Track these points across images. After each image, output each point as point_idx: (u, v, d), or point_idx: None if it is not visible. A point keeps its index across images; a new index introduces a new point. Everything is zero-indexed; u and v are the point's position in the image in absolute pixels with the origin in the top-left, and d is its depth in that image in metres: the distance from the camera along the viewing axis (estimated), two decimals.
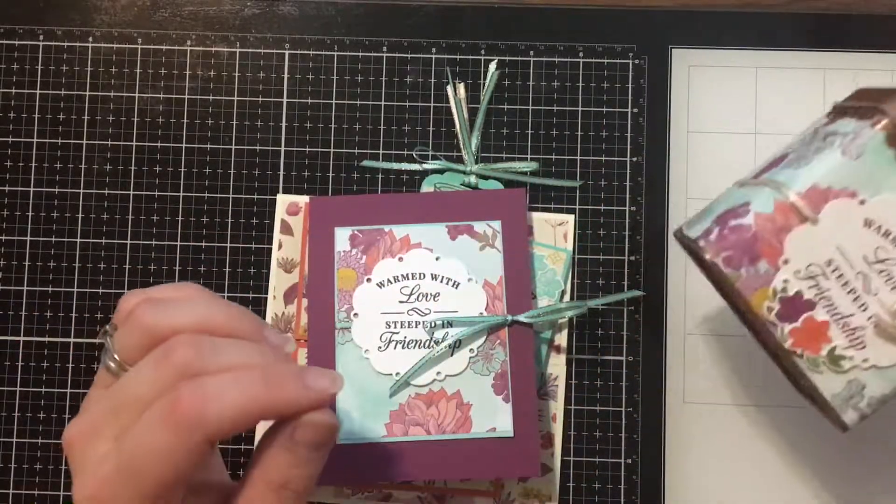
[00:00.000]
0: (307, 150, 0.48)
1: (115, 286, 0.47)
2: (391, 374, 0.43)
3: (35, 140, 0.48)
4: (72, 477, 0.30)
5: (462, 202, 0.45)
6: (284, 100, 0.48)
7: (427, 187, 0.47)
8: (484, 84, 0.48)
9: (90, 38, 0.49)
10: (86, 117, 0.48)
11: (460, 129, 0.48)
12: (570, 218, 0.47)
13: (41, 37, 0.49)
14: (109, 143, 0.48)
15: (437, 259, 0.45)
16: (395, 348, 0.44)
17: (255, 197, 0.48)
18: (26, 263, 0.48)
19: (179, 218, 0.48)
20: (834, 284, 0.36)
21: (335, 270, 0.44)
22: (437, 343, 0.43)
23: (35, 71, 0.49)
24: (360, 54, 0.49)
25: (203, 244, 0.48)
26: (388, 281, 0.44)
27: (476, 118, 0.48)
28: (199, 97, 0.48)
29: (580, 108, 0.48)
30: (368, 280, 0.44)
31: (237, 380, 0.28)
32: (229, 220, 0.48)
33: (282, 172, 0.48)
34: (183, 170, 0.48)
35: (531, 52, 0.49)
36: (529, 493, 0.45)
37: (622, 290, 0.47)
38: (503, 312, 0.44)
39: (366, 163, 0.48)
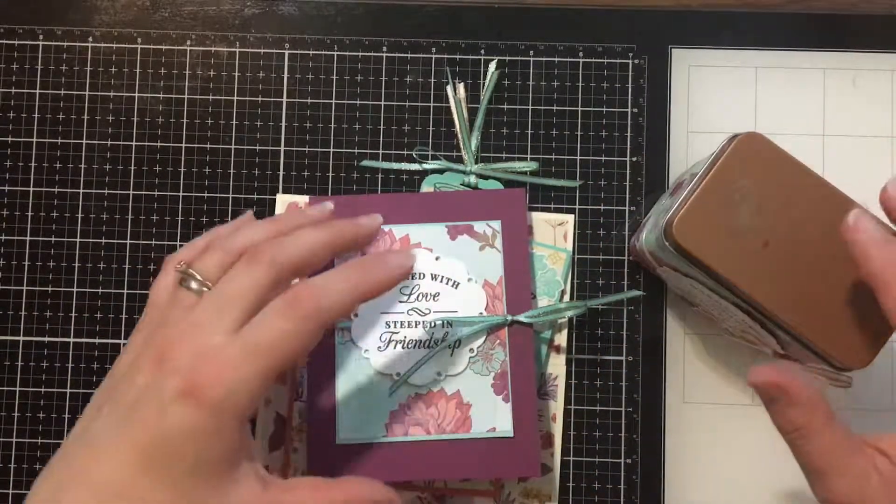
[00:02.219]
0: (307, 150, 0.48)
1: (115, 286, 0.47)
2: (391, 374, 0.43)
3: (35, 140, 0.48)
4: (172, 371, 0.33)
5: (462, 202, 0.45)
6: (284, 100, 0.48)
7: (427, 187, 0.47)
8: (484, 84, 0.48)
9: (90, 38, 0.49)
10: (86, 117, 0.48)
11: (460, 129, 0.48)
12: (570, 218, 0.47)
13: (41, 37, 0.49)
14: (109, 143, 0.48)
15: (436, 259, 0.45)
16: (394, 348, 0.44)
17: (255, 197, 0.48)
18: (26, 263, 0.48)
19: (179, 218, 0.48)
20: (700, 301, 0.43)
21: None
22: (436, 343, 0.43)
23: (35, 71, 0.49)
24: (360, 54, 0.49)
25: None
26: None
27: (476, 118, 0.48)
28: (199, 97, 0.48)
29: (580, 108, 0.48)
30: None
31: (338, 274, 0.35)
32: (229, 221, 0.48)
33: (282, 172, 0.48)
34: (183, 170, 0.48)
35: (531, 52, 0.49)
36: (529, 493, 0.45)
37: (622, 290, 0.47)
38: (503, 312, 0.44)
39: (365, 163, 0.48)
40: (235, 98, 0.48)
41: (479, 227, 0.45)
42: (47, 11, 0.49)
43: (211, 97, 0.48)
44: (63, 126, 0.48)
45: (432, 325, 0.44)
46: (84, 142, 0.48)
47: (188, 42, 0.49)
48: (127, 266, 0.48)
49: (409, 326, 0.44)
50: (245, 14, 0.49)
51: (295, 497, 0.35)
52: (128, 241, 0.48)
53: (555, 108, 0.48)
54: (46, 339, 0.47)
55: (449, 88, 0.48)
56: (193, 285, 0.36)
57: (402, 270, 0.37)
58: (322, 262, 0.37)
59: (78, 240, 0.48)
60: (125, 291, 0.47)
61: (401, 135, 0.48)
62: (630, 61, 0.48)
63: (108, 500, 0.33)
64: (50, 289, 0.47)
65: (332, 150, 0.48)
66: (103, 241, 0.48)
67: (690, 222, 0.38)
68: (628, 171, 0.48)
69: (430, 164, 0.48)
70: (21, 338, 0.47)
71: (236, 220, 0.41)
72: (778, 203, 0.38)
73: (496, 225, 0.45)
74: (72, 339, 0.47)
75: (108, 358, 0.47)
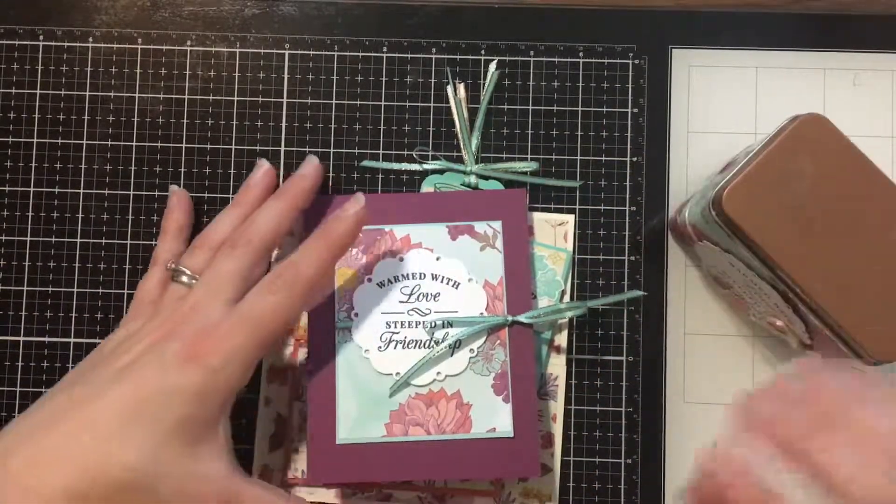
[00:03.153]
0: (307, 150, 0.48)
1: (115, 286, 0.47)
2: (391, 374, 0.43)
3: (35, 140, 0.48)
4: (168, 342, 0.37)
5: (462, 202, 0.45)
6: (284, 100, 0.48)
7: (427, 187, 0.47)
8: (484, 84, 0.48)
9: (90, 39, 0.49)
10: (86, 117, 0.48)
11: (460, 130, 0.48)
12: (570, 218, 0.47)
13: (41, 37, 0.49)
14: (109, 143, 0.48)
15: (437, 259, 0.45)
16: (395, 348, 0.44)
17: None
18: (26, 263, 0.48)
19: None
20: (734, 282, 0.43)
21: (335, 269, 0.44)
22: (437, 343, 0.43)
23: (35, 71, 0.49)
24: (360, 54, 0.49)
25: None
26: (389, 281, 0.44)
27: (476, 118, 0.48)
28: (199, 97, 0.48)
29: (580, 108, 0.48)
30: (369, 280, 0.44)
31: (308, 246, 0.40)
32: None
33: (282, 172, 0.48)
34: (183, 170, 0.48)
35: (531, 52, 0.49)
36: (529, 492, 0.45)
37: (622, 290, 0.47)
38: (503, 313, 0.44)
39: (366, 163, 0.48)
40: (235, 98, 0.48)
41: (479, 227, 0.45)
42: (47, 12, 0.49)
43: (211, 97, 0.48)
44: (63, 126, 0.48)
45: (433, 325, 0.44)
46: (84, 142, 0.48)
47: (188, 42, 0.49)
48: (127, 266, 0.48)
49: (409, 326, 0.44)
50: (245, 14, 0.49)
51: (254, 492, 0.38)
52: (128, 241, 0.48)
53: (555, 108, 0.48)
54: (46, 339, 0.47)
55: (449, 89, 0.48)
56: (184, 279, 0.41)
57: (356, 218, 0.41)
58: (288, 226, 0.43)
59: (78, 240, 0.48)
60: (125, 291, 0.47)
61: (401, 135, 0.48)
62: (630, 61, 0.48)
63: (87, 443, 0.34)
64: (50, 289, 0.47)
65: (332, 150, 0.48)
66: (103, 241, 0.48)
67: (741, 195, 0.38)
68: (628, 171, 0.48)
69: (430, 165, 0.48)
70: (21, 338, 0.47)
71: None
72: (832, 188, 0.38)
73: (497, 225, 0.45)
74: (72, 340, 0.47)
75: None
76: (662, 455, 0.46)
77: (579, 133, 0.48)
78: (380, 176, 0.48)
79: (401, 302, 0.44)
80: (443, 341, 0.43)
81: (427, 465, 0.42)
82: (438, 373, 0.43)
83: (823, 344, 0.40)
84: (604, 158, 0.48)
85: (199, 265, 0.42)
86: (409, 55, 0.49)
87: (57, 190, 0.48)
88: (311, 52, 0.49)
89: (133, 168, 0.48)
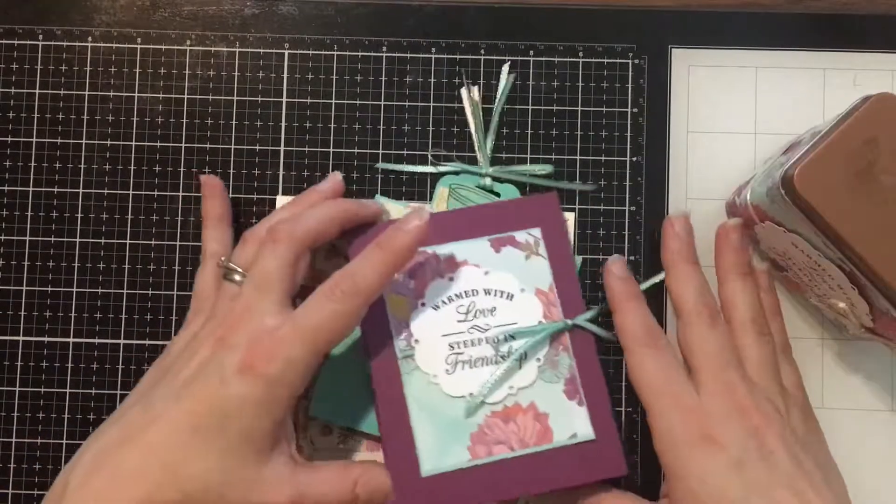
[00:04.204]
0: (307, 150, 0.48)
1: (115, 286, 0.47)
2: (464, 396, 0.42)
3: (35, 140, 0.48)
4: (227, 350, 0.37)
5: (497, 213, 0.45)
6: (284, 100, 0.48)
7: (442, 187, 0.47)
8: (489, 88, 0.48)
9: (90, 38, 0.49)
10: (86, 117, 0.48)
11: (476, 131, 0.48)
12: (570, 217, 0.47)
13: (41, 37, 0.49)
14: (109, 143, 0.48)
15: (486, 273, 0.44)
16: (462, 369, 0.42)
17: (255, 197, 0.48)
18: (26, 263, 0.48)
19: (179, 218, 0.48)
20: (794, 264, 0.43)
21: (386, 298, 0.43)
22: (503, 358, 0.42)
23: (35, 71, 0.49)
24: (360, 54, 0.49)
25: None
26: (443, 302, 0.43)
27: (490, 121, 0.48)
28: (198, 97, 0.48)
29: (580, 109, 0.48)
30: (423, 304, 0.43)
31: (365, 256, 0.40)
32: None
33: (282, 172, 0.48)
34: (183, 170, 0.48)
35: (531, 52, 0.49)
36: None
37: None
38: (560, 318, 0.43)
39: (380, 165, 0.48)
40: (235, 98, 0.48)
41: (520, 236, 0.44)
42: (47, 11, 0.49)
43: (211, 97, 0.48)
44: (63, 126, 0.48)
45: (495, 339, 0.43)
46: (84, 142, 0.48)
47: (188, 42, 0.49)
48: (127, 266, 0.48)
49: (472, 345, 0.43)
50: (245, 14, 0.49)
51: (321, 476, 0.39)
52: (128, 241, 0.48)
53: (554, 108, 0.48)
54: (46, 339, 0.47)
55: (463, 91, 0.48)
56: (236, 277, 0.41)
57: (419, 229, 0.40)
58: (333, 233, 0.42)
59: (78, 240, 0.48)
60: (125, 291, 0.47)
61: (401, 135, 0.48)
62: (630, 61, 0.48)
63: (158, 458, 0.36)
64: (50, 289, 0.47)
65: (332, 150, 0.48)
66: (103, 241, 0.48)
67: (812, 173, 0.38)
68: (628, 171, 0.48)
69: (445, 167, 0.48)
70: (21, 338, 0.47)
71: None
72: None
73: (536, 232, 0.44)
74: (72, 339, 0.47)
75: (108, 358, 0.47)
76: None
77: (579, 133, 0.48)
78: (379, 176, 0.48)
79: (459, 321, 0.43)
80: (510, 354, 0.42)
81: (515, 482, 0.41)
82: (511, 387, 0.42)
83: (885, 327, 0.40)
84: (604, 158, 0.48)
85: (250, 260, 0.41)
86: (409, 55, 0.49)
87: (57, 190, 0.48)
88: (311, 52, 0.49)
89: (133, 168, 0.48)
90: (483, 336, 0.43)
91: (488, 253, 0.44)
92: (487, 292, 0.43)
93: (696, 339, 0.40)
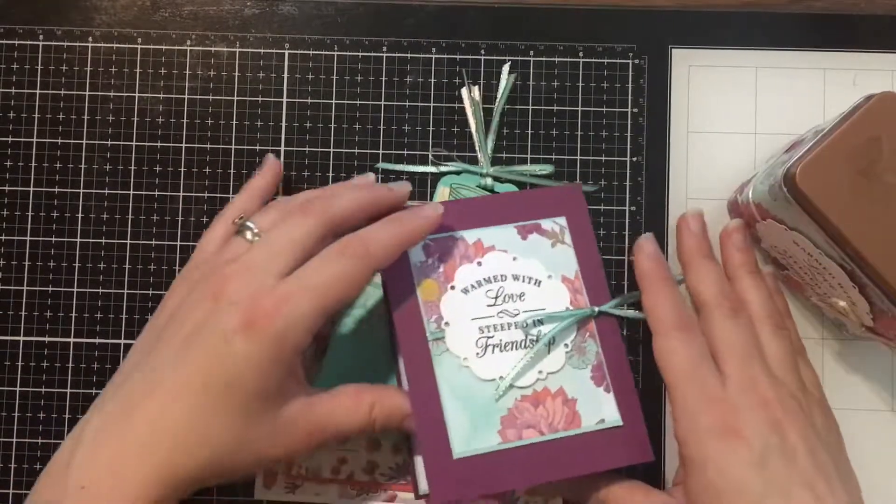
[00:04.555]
0: (307, 150, 0.48)
1: (115, 286, 0.47)
2: (494, 379, 0.42)
3: (35, 140, 0.48)
4: (228, 305, 0.36)
5: (522, 201, 0.45)
6: (284, 100, 0.48)
7: (443, 187, 0.47)
8: (489, 88, 0.48)
9: (90, 38, 0.49)
10: (86, 117, 0.48)
11: (476, 131, 0.48)
12: None
13: (41, 37, 0.49)
14: (109, 143, 0.48)
15: (514, 259, 0.44)
16: (493, 352, 0.42)
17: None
18: (26, 263, 0.48)
19: (179, 218, 0.48)
20: (794, 262, 0.43)
21: (415, 282, 0.43)
22: (532, 343, 0.43)
23: (35, 71, 0.49)
24: (360, 54, 0.49)
25: None
26: (472, 286, 0.43)
27: (491, 121, 0.48)
28: (199, 97, 0.48)
29: (580, 109, 0.48)
30: (452, 288, 0.43)
31: (380, 225, 0.39)
32: None
33: (282, 172, 0.48)
34: (183, 170, 0.48)
35: (531, 52, 0.49)
36: (535, 490, 0.45)
37: (622, 290, 0.47)
38: (587, 305, 0.44)
39: (381, 165, 0.48)
40: (235, 98, 0.48)
41: (546, 224, 0.45)
42: (47, 11, 0.49)
43: (211, 97, 0.48)
44: (63, 126, 0.48)
45: (524, 324, 0.43)
46: (84, 142, 0.48)
47: (188, 42, 0.49)
48: (127, 266, 0.48)
49: (502, 329, 0.43)
50: (245, 14, 0.49)
51: (335, 405, 0.39)
52: (128, 241, 0.48)
53: (555, 108, 0.48)
54: (46, 339, 0.47)
55: (464, 91, 0.48)
56: (248, 235, 0.40)
57: (433, 219, 0.41)
58: (363, 219, 0.41)
59: (78, 240, 0.48)
60: (125, 291, 0.47)
61: (401, 135, 0.48)
62: (630, 61, 0.48)
63: (165, 426, 0.35)
64: (50, 289, 0.47)
65: (332, 150, 0.48)
66: (103, 241, 0.48)
67: (814, 171, 0.38)
68: (628, 171, 0.48)
69: (446, 166, 0.48)
70: (21, 338, 0.47)
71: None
72: None
73: (562, 221, 0.45)
74: (72, 339, 0.47)
75: (108, 358, 0.47)
76: (663, 455, 0.46)
77: (579, 133, 0.48)
78: (392, 177, 0.48)
79: (488, 306, 0.43)
80: (539, 339, 0.42)
81: (545, 466, 0.41)
82: (540, 371, 0.42)
83: (886, 326, 0.40)
84: (604, 158, 0.48)
85: (267, 225, 0.40)
86: (409, 55, 0.49)
87: (57, 190, 0.48)
88: (311, 52, 0.49)
89: (133, 168, 0.48)
90: (512, 321, 0.43)
91: (515, 239, 0.44)
92: (516, 278, 0.44)
93: (719, 332, 0.40)
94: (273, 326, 0.36)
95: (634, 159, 0.48)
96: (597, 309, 0.43)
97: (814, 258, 0.40)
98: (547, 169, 0.48)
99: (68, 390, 0.47)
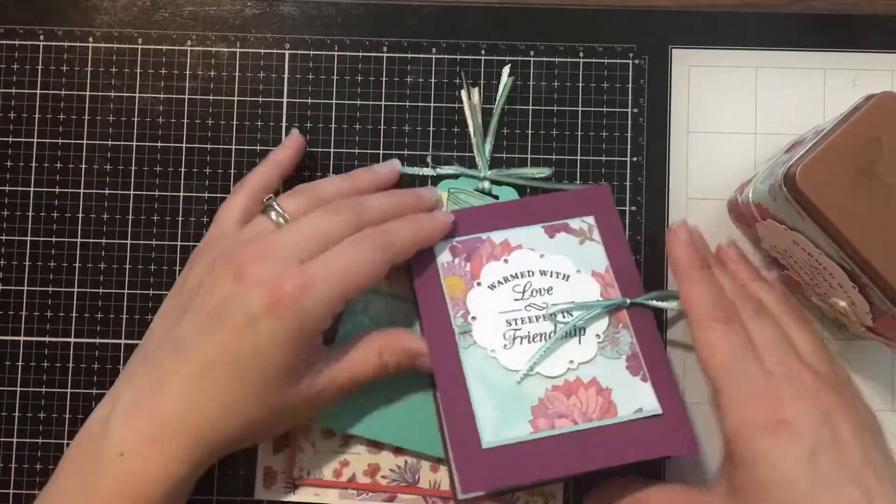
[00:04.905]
0: (307, 150, 0.48)
1: (115, 286, 0.47)
2: (521, 370, 0.42)
3: (35, 140, 0.48)
4: (252, 285, 0.37)
5: (551, 204, 0.45)
6: (284, 100, 0.48)
7: (441, 191, 0.47)
8: (493, 85, 0.48)
9: (90, 39, 0.49)
10: (86, 117, 0.48)
11: (474, 135, 0.48)
12: None
13: (41, 37, 0.49)
14: (109, 143, 0.48)
15: (541, 256, 0.44)
16: (520, 344, 0.42)
17: None
18: (26, 263, 0.48)
19: (179, 218, 0.48)
20: (795, 262, 0.43)
21: (441, 280, 0.43)
22: (561, 331, 0.42)
23: (35, 71, 0.49)
24: (361, 54, 0.49)
25: None
26: (499, 282, 0.43)
27: (490, 124, 0.48)
28: (199, 97, 0.48)
29: (580, 109, 0.48)
30: (478, 284, 0.43)
31: (402, 222, 0.41)
32: None
33: (305, 147, 0.48)
34: (183, 170, 0.48)
35: (531, 52, 0.49)
36: (534, 491, 0.45)
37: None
38: (619, 297, 0.43)
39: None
40: (236, 98, 0.49)
41: (574, 223, 0.45)
42: (48, 11, 0.49)
43: (211, 97, 0.48)
44: (63, 126, 0.48)
45: (553, 316, 0.42)
46: (84, 142, 0.48)
47: (189, 42, 0.49)
48: (127, 266, 0.48)
49: (530, 321, 0.43)
50: (245, 14, 0.49)
51: (347, 356, 0.41)
52: (128, 241, 0.48)
53: (555, 108, 0.48)
54: (46, 339, 0.47)
55: (463, 93, 0.48)
56: (273, 216, 0.41)
57: (446, 225, 0.43)
58: (411, 252, 0.42)
59: (78, 240, 0.48)
60: (125, 291, 0.47)
61: (401, 135, 0.48)
62: (630, 61, 0.48)
63: (198, 398, 0.37)
64: (50, 289, 0.47)
65: (332, 150, 0.48)
66: (103, 241, 0.48)
67: (814, 171, 0.38)
68: (628, 171, 0.48)
69: (444, 170, 0.48)
70: (21, 338, 0.47)
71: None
72: None
73: (590, 220, 0.45)
74: (72, 339, 0.47)
75: (108, 358, 0.47)
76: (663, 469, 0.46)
77: (579, 133, 0.48)
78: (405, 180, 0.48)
79: (516, 300, 0.43)
80: (568, 327, 0.42)
81: (580, 456, 0.40)
82: (571, 361, 0.42)
83: (886, 326, 0.40)
84: (604, 158, 0.48)
85: (294, 210, 0.41)
86: (410, 55, 0.49)
87: (57, 190, 0.48)
88: (311, 52, 0.49)
89: (133, 168, 0.48)
90: (540, 313, 0.43)
91: (542, 238, 0.44)
92: (543, 273, 0.44)
93: (749, 330, 0.39)
94: (297, 308, 0.37)
95: (634, 159, 0.48)
96: (628, 301, 0.43)
97: (814, 258, 0.40)
98: (545, 172, 0.48)
99: (68, 390, 0.47)
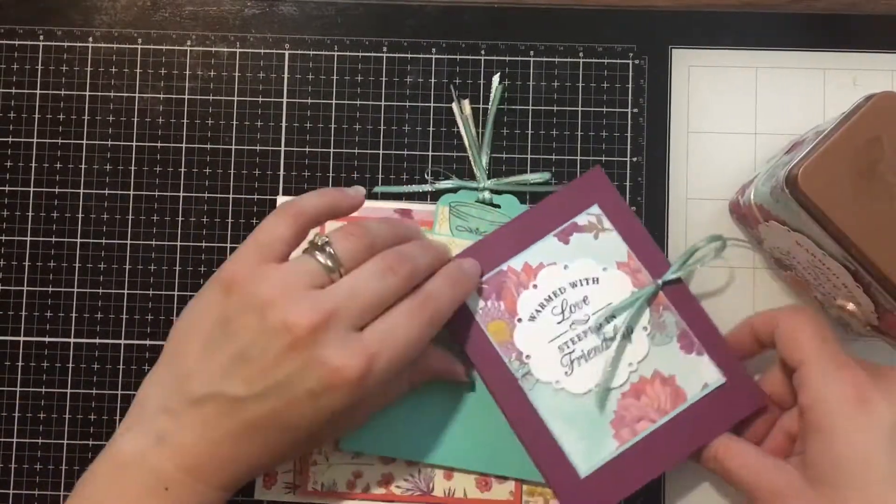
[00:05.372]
0: (307, 150, 0.48)
1: (115, 286, 0.47)
2: (590, 390, 0.43)
3: (35, 140, 0.48)
4: (313, 361, 0.36)
5: (549, 209, 0.45)
6: (284, 100, 0.48)
7: (442, 207, 0.47)
8: (489, 91, 0.48)
9: (90, 39, 0.49)
10: (86, 117, 0.48)
11: (470, 147, 0.48)
12: None
13: (41, 37, 0.49)
14: (109, 143, 0.48)
15: (565, 268, 0.44)
16: (579, 365, 0.43)
17: (256, 197, 0.48)
18: (26, 263, 0.48)
19: (179, 218, 0.48)
20: (798, 263, 0.43)
21: (484, 329, 0.44)
22: (612, 340, 0.43)
23: (35, 71, 0.49)
24: (361, 54, 0.49)
25: (203, 244, 0.48)
26: (537, 310, 0.44)
27: (484, 134, 0.48)
28: (199, 97, 0.48)
29: (580, 109, 0.48)
30: (519, 321, 0.44)
31: (445, 283, 0.41)
32: (229, 221, 0.48)
33: (282, 172, 0.48)
34: (183, 170, 0.48)
35: (531, 53, 0.49)
36: (534, 491, 0.45)
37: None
38: (650, 281, 0.44)
39: (379, 189, 0.48)
40: (236, 98, 0.49)
41: (581, 219, 0.45)
42: (48, 12, 0.49)
43: (211, 97, 0.48)
44: (63, 126, 0.48)
45: (598, 326, 0.44)
46: (84, 142, 0.48)
47: (188, 42, 0.49)
48: (127, 266, 0.48)
49: (578, 340, 0.44)
50: (245, 14, 0.49)
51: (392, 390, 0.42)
52: (128, 241, 0.48)
53: (555, 108, 0.48)
54: (46, 339, 0.47)
55: (454, 106, 0.48)
56: (322, 258, 0.38)
57: (477, 276, 0.44)
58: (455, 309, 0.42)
59: (78, 240, 0.48)
60: (125, 291, 0.47)
61: (401, 135, 0.48)
62: (630, 61, 0.48)
63: (243, 451, 0.37)
64: (50, 289, 0.47)
65: (332, 150, 0.48)
66: (103, 241, 0.48)
67: (817, 172, 0.38)
68: (629, 172, 0.48)
69: (442, 184, 0.48)
70: (21, 338, 0.47)
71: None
72: None
73: (595, 210, 0.45)
74: (72, 340, 0.47)
75: (108, 358, 0.47)
76: (662, 489, 0.46)
77: (579, 133, 0.48)
78: (390, 195, 0.48)
79: (559, 323, 0.44)
80: (616, 334, 0.43)
81: (669, 450, 0.42)
82: (630, 364, 0.43)
83: (891, 326, 0.40)
84: (604, 159, 0.48)
85: (348, 258, 0.38)
86: (409, 55, 0.49)
87: (57, 190, 0.48)
88: (311, 52, 0.49)
89: (133, 168, 0.48)
90: (585, 328, 0.44)
91: (559, 247, 0.45)
92: (573, 285, 0.44)
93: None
94: (359, 387, 0.36)
95: (634, 159, 0.48)
96: (660, 282, 0.44)
97: (817, 259, 0.40)
98: (544, 177, 0.47)
99: (68, 390, 0.47)
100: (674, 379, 0.43)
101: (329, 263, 0.38)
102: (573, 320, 0.44)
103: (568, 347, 0.44)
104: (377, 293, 0.38)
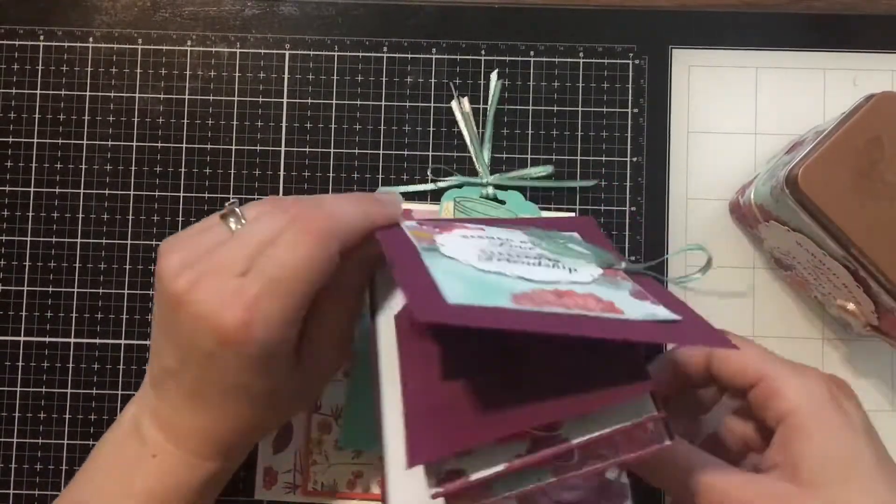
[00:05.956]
0: (307, 150, 0.48)
1: (115, 286, 0.47)
2: (496, 273, 0.33)
3: (35, 140, 0.48)
4: (197, 320, 0.33)
5: (528, 222, 0.41)
6: (284, 100, 0.48)
7: (447, 202, 0.47)
8: (488, 89, 0.48)
9: (90, 39, 0.49)
10: (86, 117, 0.48)
11: (471, 143, 0.48)
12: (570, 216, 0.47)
13: (41, 37, 0.49)
14: (109, 143, 0.48)
15: (530, 245, 0.37)
16: (497, 261, 0.34)
17: (256, 197, 0.48)
18: (26, 263, 0.48)
19: (179, 218, 0.48)
20: (798, 262, 0.43)
21: (407, 233, 0.36)
22: (548, 262, 0.35)
23: (35, 71, 0.49)
24: (361, 54, 0.49)
25: None
26: (472, 236, 0.36)
27: (485, 131, 0.48)
28: (199, 97, 0.48)
29: (580, 109, 0.48)
30: (448, 235, 0.36)
31: (348, 200, 0.36)
32: None
33: (282, 172, 0.48)
34: (183, 170, 0.48)
35: (531, 53, 0.49)
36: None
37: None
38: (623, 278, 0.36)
39: (381, 189, 0.48)
40: (236, 98, 0.49)
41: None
42: (48, 12, 0.49)
43: (211, 97, 0.48)
44: (63, 126, 0.48)
45: (537, 258, 0.35)
46: (84, 142, 0.48)
47: (189, 43, 0.49)
48: (127, 266, 0.48)
49: (507, 256, 0.35)
50: (245, 14, 0.49)
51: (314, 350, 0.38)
52: (128, 241, 0.48)
53: (555, 108, 0.48)
54: (46, 339, 0.47)
55: (454, 104, 0.48)
56: (231, 223, 0.36)
57: (397, 206, 0.38)
58: (361, 235, 0.36)
59: (78, 240, 0.48)
60: (125, 291, 0.47)
61: (401, 135, 0.48)
62: (630, 61, 0.48)
63: (203, 416, 0.36)
64: (50, 289, 0.47)
65: (332, 150, 0.48)
66: (103, 241, 0.48)
67: (817, 173, 0.38)
68: (629, 172, 0.48)
69: (446, 182, 0.48)
70: (21, 338, 0.47)
71: None
72: None
73: (575, 235, 0.40)
74: (72, 340, 0.47)
75: (108, 358, 0.47)
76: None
77: (579, 133, 0.48)
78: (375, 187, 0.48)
79: (489, 246, 0.35)
80: (555, 264, 0.35)
81: (568, 322, 0.30)
82: (563, 278, 0.34)
83: (891, 325, 0.40)
84: (604, 158, 0.48)
85: (252, 211, 0.36)
86: (410, 55, 0.49)
87: (57, 190, 0.48)
88: (311, 52, 0.49)
89: (133, 168, 0.48)
90: (520, 253, 0.35)
91: (521, 234, 0.38)
92: (525, 243, 0.37)
93: None
94: (250, 337, 0.33)
95: (634, 159, 0.48)
96: (623, 264, 0.37)
97: (817, 258, 0.40)
98: (546, 170, 0.48)
99: (68, 390, 0.47)
100: (612, 303, 0.32)
101: (236, 227, 0.36)
102: (508, 248, 0.35)
103: (492, 249, 0.35)
104: (263, 232, 0.34)
